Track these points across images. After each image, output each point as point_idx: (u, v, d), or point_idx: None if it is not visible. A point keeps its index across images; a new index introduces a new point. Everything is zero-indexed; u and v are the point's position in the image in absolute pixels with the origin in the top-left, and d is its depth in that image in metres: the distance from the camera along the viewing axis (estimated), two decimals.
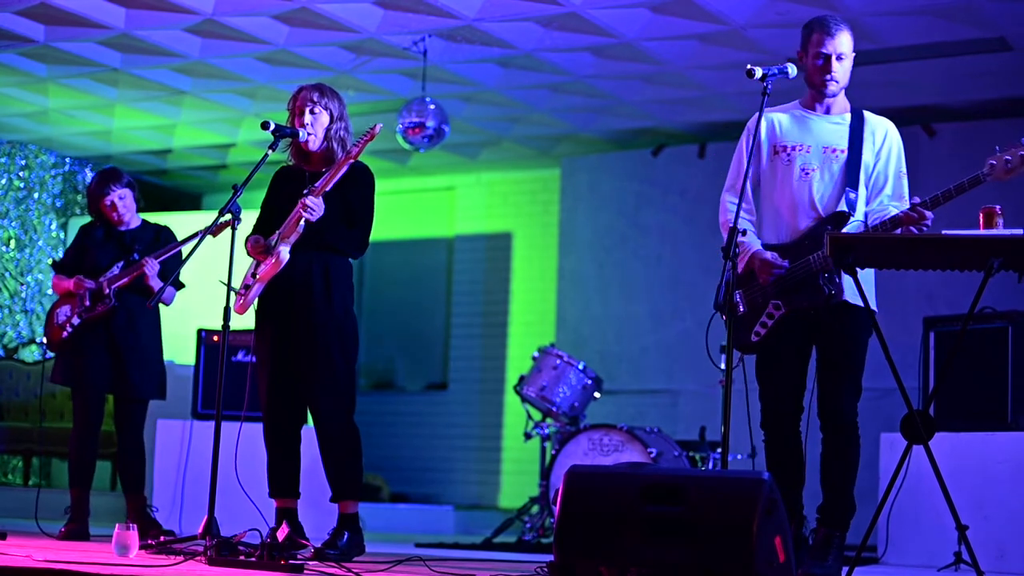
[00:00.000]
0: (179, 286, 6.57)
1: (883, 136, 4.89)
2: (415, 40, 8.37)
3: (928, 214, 4.57)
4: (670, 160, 10.79)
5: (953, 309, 7.86)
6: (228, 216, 5.05)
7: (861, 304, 4.75)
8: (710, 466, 7.59)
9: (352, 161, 5.23)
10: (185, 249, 6.36)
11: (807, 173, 4.87)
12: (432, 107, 8.73)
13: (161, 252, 6.38)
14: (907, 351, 6.85)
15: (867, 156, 4.86)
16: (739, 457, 7.53)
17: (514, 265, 12.06)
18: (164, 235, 6.59)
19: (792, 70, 4.84)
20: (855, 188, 4.82)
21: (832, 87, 4.87)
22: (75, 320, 6.40)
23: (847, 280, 4.72)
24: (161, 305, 6.55)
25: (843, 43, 4.85)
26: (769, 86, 4.77)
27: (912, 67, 8.56)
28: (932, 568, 5.97)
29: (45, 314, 11.50)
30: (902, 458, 4.26)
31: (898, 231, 4.58)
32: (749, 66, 4.77)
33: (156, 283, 6.33)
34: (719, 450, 7.54)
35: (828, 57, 4.85)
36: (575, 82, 9.21)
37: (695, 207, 10.38)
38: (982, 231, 4.30)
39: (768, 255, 4.81)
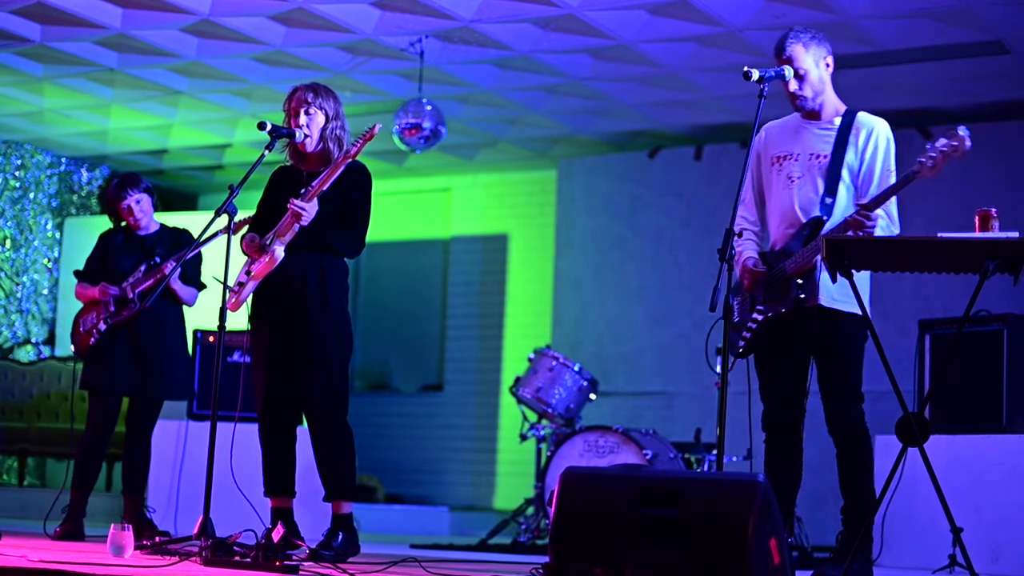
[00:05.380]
0: (200, 287, 6.63)
1: (867, 135, 4.89)
2: (412, 41, 8.37)
3: (872, 215, 4.59)
4: (666, 162, 10.79)
5: (948, 312, 7.88)
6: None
7: (852, 310, 4.78)
8: (705, 468, 7.60)
9: (350, 161, 5.24)
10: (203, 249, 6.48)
11: (792, 181, 4.92)
12: (429, 108, 8.73)
13: (182, 254, 6.41)
14: (902, 354, 6.85)
15: (850, 158, 4.87)
16: (734, 459, 7.53)
17: (510, 266, 12.07)
18: (184, 238, 6.65)
19: (789, 72, 4.86)
20: (833, 192, 4.84)
21: (802, 102, 4.91)
22: (101, 326, 6.43)
23: (836, 285, 4.74)
24: (184, 307, 6.67)
25: (797, 59, 4.84)
26: (766, 88, 4.78)
27: (909, 70, 8.57)
28: (927, 570, 5.97)
29: (40, 314, 11.51)
30: (897, 461, 4.26)
31: (849, 233, 4.61)
32: (746, 68, 4.78)
33: (177, 285, 6.46)
34: (715, 452, 7.54)
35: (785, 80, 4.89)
36: (572, 84, 9.21)
37: (691, 209, 10.39)
38: (978, 234, 4.30)
39: (751, 262, 4.88)
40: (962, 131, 4.40)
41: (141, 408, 6.56)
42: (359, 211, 5.34)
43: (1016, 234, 4.21)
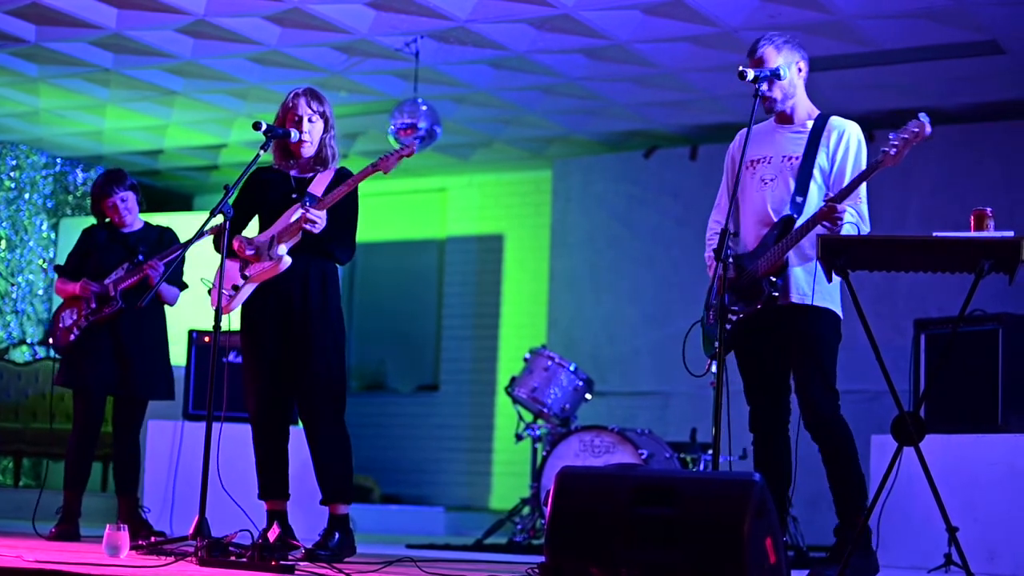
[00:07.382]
0: (182, 286, 6.61)
1: (838, 137, 4.91)
2: (407, 41, 8.37)
3: (839, 207, 4.61)
4: (662, 162, 10.80)
5: (944, 311, 7.88)
6: (222, 218, 5.05)
7: (825, 305, 4.82)
8: (701, 468, 7.60)
9: (373, 172, 5.18)
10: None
11: (765, 183, 4.94)
12: (424, 108, 8.72)
13: (167, 254, 6.40)
14: (898, 353, 6.86)
15: (822, 159, 4.89)
16: (730, 459, 7.53)
17: (506, 267, 12.07)
18: (167, 237, 6.63)
19: (784, 72, 4.86)
20: (804, 192, 4.85)
21: (771, 104, 4.91)
22: (82, 323, 6.41)
23: (808, 282, 4.80)
24: (166, 306, 6.61)
25: (768, 61, 4.86)
26: (761, 88, 4.79)
27: (905, 70, 8.58)
28: (922, 570, 5.98)
29: (35, 315, 11.50)
30: (893, 460, 4.27)
31: (820, 226, 4.63)
32: (741, 68, 4.79)
33: (162, 285, 6.37)
34: (710, 452, 7.53)
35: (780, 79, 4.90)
36: (567, 84, 9.21)
37: (687, 209, 10.38)
38: (973, 233, 4.30)
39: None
40: (923, 117, 4.44)
41: (125, 407, 6.53)
42: (350, 217, 5.34)
43: (1011, 233, 4.22)
